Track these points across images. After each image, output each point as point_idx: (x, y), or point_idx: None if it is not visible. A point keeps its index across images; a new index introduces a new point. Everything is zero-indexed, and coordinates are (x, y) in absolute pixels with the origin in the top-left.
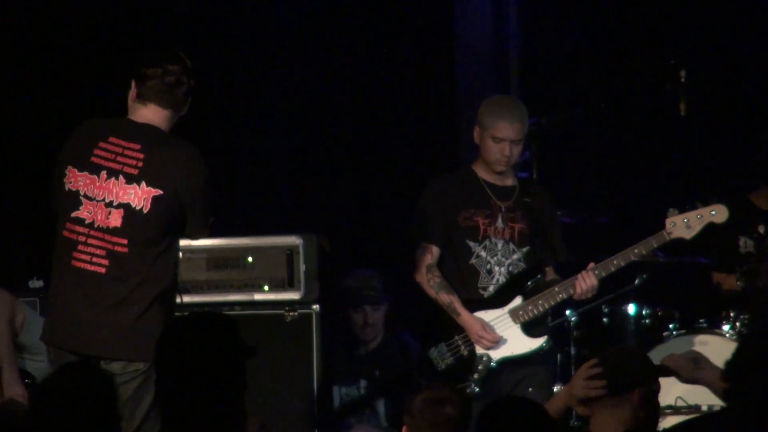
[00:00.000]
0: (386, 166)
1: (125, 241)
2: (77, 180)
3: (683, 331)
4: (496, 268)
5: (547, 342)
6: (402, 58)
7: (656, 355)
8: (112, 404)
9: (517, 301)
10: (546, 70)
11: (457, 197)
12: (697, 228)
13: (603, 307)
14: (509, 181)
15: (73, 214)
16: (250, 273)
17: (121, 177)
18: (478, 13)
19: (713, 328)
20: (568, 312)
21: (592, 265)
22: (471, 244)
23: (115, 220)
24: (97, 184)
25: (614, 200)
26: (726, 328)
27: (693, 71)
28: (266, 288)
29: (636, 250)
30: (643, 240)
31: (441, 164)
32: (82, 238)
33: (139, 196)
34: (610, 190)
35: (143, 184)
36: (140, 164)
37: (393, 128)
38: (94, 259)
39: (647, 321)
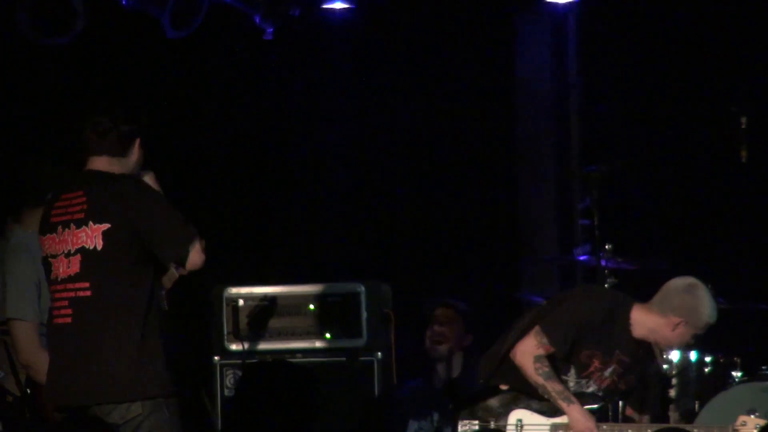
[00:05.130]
0: (446, 212)
1: (87, 285)
2: (45, 245)
3: (746, 378)
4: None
5: None
6: (462, 103)
7: (719, 402)
8: None
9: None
10: (606, 116)
11: (599, 337)
12: None
13: (663, 354)
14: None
15: (51, 277)
16: (312, 320)
17: (71, 225)
18: (538, 59)
19: None
20: None
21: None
22: (573, 371)
23: (74, 266)
24: (57, 240)
25: (674, 247)
26: None
27: (754, 118)
28: (328, 335)
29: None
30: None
31: (499, 208)
32: (56, 295)
33: (90, 235)
34: (671, 237)
35: (90, 224)
36: (84, 206)
37: (452, 174)
38: (62, 311)
39: (709, 368)
